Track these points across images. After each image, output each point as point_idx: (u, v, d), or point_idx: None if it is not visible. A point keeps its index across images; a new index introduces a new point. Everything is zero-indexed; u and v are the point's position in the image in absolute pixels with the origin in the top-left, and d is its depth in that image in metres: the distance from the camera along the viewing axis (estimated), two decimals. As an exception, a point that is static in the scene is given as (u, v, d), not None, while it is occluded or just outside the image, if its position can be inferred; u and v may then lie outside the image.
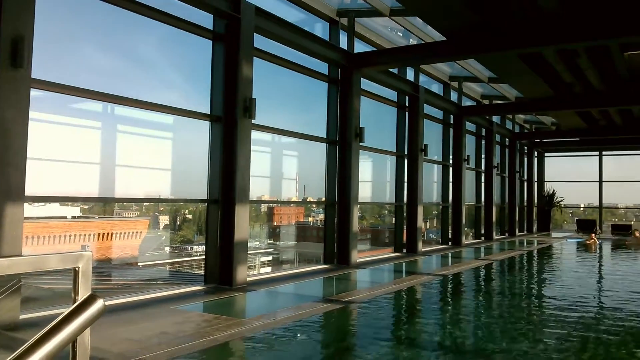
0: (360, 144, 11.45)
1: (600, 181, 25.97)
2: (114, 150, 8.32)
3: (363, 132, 11.35)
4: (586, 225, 23.73)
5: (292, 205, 12.55)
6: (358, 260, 11.32)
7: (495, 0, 8.67)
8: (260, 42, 8.97)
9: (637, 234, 18.95)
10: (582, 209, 28.50)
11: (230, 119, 8.25)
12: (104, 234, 13.80)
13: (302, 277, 9.25)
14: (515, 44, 9.97)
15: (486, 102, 19.35)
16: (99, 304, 1.68)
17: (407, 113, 14.36)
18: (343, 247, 11.09)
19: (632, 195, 27.12)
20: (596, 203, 26.38)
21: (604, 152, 25.79)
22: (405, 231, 14.13)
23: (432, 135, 16.13)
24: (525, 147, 25.77)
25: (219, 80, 8.37)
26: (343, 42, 11.34)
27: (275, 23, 9.12)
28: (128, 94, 7.21)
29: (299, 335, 5.57)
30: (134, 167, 8.52)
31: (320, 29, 11.14)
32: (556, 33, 9.52)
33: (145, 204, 14.47)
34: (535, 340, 5.57)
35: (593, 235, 19.83)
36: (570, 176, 27.00)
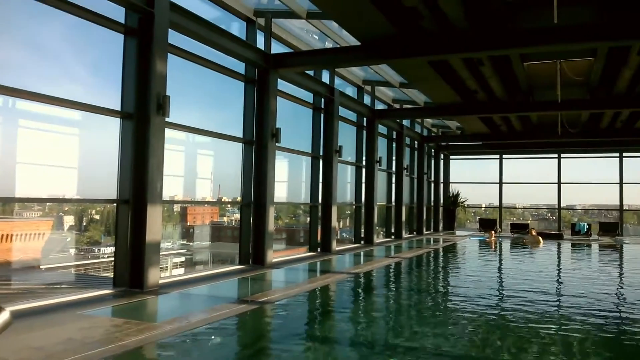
0: (277, 144, 11.48)
1: (501, 183, 27.70)
2: (15, 146, 7.80)
3: (279, 133, 11.40)
4: (487, 224, 25.23)
5: (206, 205, 12.33)
6: (273, 260, 11.35)
7: (407, 11, 9.00)
8: (176, 38, 8.77)
9: (534, 232, 20.40)
10: (483, 208, 30.20)
11: (142, 117, 7.99)
12: (2, 235, 12.83)
13: (216, 279, 9.14)
14: (425, 51, 10.40)
15: (397, 106, 20.02)
16: (4, 316, 1.59)
17: (322, 115, 14.58)
18: (258, 247, 11.07)
19: (529, 196, 29.21)
20: (497, 203, 28.10)
21: (504, 156, 27.54)
22: (319, 231, 14.33)
23: (346, 137, 16.48)
24: (433, 150, 26.95)
25: (130, 76, 8.08)
26: (260, 42, 11.33)
27: (190, 19, 8.94)
28: (30, 88, 6.78)
29: (213, 338, 5.52)
30: (37, 164, 8.03)
31: (237, 27, 11.06)
32: (462, 43, 10.05)
33: (48, 203, 13.64)
34: (442, 334, 5.86)
35: (493, 233, 21.15)
36: (473, 178, 28.70)
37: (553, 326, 6.38)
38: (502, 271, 12.69)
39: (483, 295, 8.55)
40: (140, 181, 7.95)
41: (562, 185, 26.52)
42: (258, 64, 11.04)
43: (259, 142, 11.23)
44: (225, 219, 13.81)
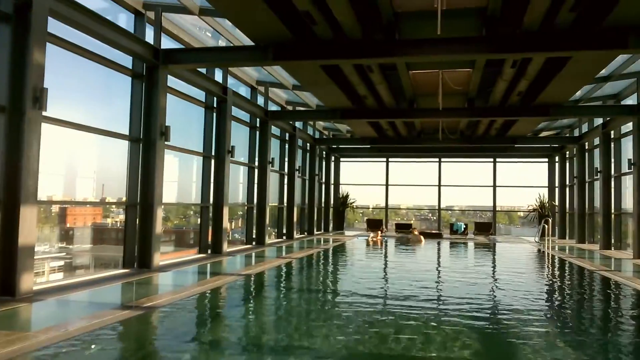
0: (166, 142, 11.13)
1: (387, 185, 28.93)
2: None
3: (169, 131, 11.05)
4: (374, 224, 26.21)
5: (88, 205, 11.64)
6: (161, 263, 10.98)
7: (301, 15, 9.12)
8: (57, 27, 8.20)
9: (416, 232, 21.55)
10: (371, 209, 31.33)
11: (16, 110, 7.40)
12: None
13: (98, 283, 8.67)
14: (318, 55, 10.60)
15: (290, 108, 20.22)
16: None
17: (215, 114, 14.35)
18: (145, 249, 10.66)
19: (413, 197, 30.79)
20: (383, 204, 29.30)
21: (390, 159, 28.79)
22: (210, 232, 14.09)
23: (239, 137, 16.35)
24: (324, 152, 27.52)
25: (3, 66, 7.44)
26: (149, 36, 10.91)
27: (73, 8, 8.39)
28: None
29: (93, 347, 5.23)
30: None
31: (124, 20, 10.57)
32: (353, 49, 10.36)
33: None
34: (332, 333, 6.00)
35: (379, 233, 22.02)
36: (362, 180, 29.72)
37: (433, 316, 6.79)
38: (386, 269, 13.25)
39: (369, 292, 8.89)
40: (12, 180, 7.35)
41: (442, 187, 28.28)
42: (146, 59, 10.62)
43: (146, 140, 10.81)
44: (109, 220, 13.10)
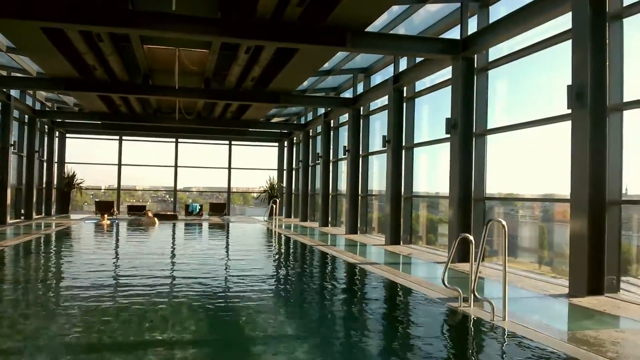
0: None
1: (120, 164, 27.46)
2: None
3: None
4: (104, 207, 24.69)
5: None
6: None
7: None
8: None
9: (149, 214, 20.91)
10: (103, 190, 29.44)
11: None
12: None
13: None
14: (34, 15, 9.32)
15: (4, 73, 17.54)
16: None
17: None
18: None
19: (149, 178, 30.01)
20: (116, 185, 27.76)
21: (124, 137, 27.34)
22: None
23: None
24: (47, 126, 24.70)
25: None
26: None
27: None
28: None
29: None
30: None
31: None
32: (77, 14, 9.38)
33: None
34: (49, 332, 5.46)
35: (106, 216, 20.64)
36: (92, 158, 27.51)
37: (162, 301, 6.71)
38: (113, 254, 12.59)
39: (93, 281, 8.37)
40: None
41: (179, 168, 28.07)
42: None
43: None
44: None
